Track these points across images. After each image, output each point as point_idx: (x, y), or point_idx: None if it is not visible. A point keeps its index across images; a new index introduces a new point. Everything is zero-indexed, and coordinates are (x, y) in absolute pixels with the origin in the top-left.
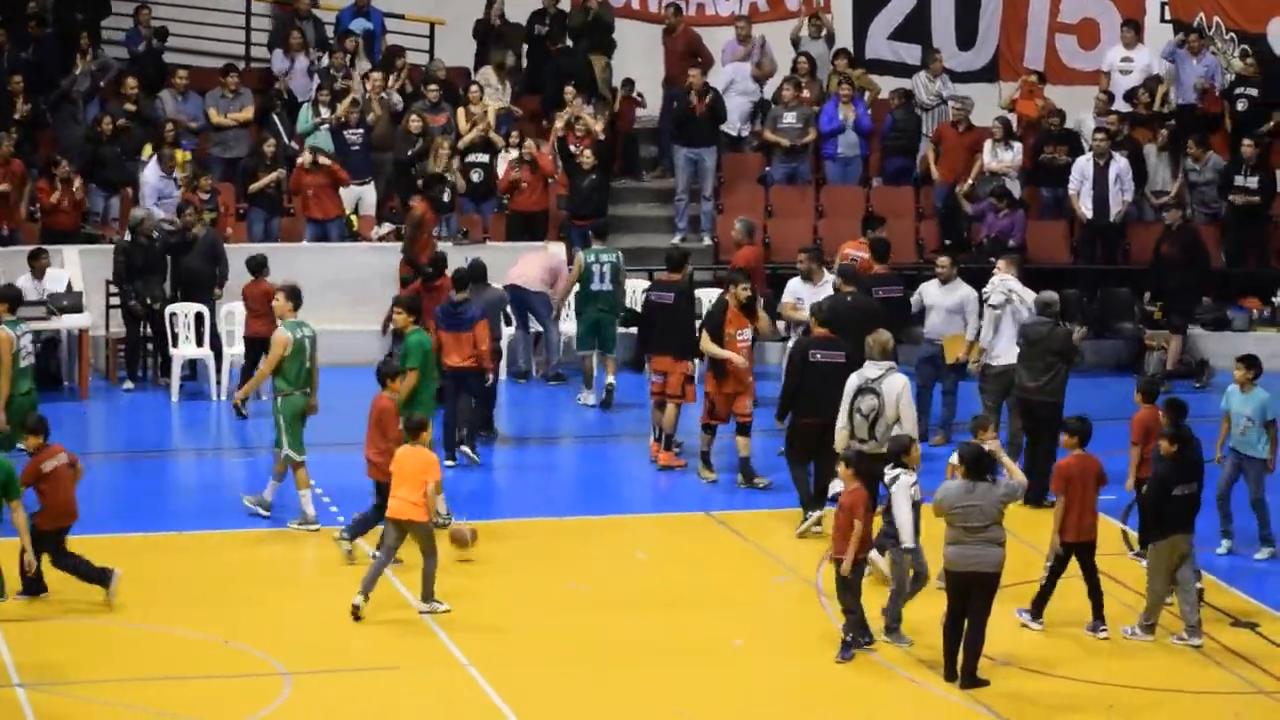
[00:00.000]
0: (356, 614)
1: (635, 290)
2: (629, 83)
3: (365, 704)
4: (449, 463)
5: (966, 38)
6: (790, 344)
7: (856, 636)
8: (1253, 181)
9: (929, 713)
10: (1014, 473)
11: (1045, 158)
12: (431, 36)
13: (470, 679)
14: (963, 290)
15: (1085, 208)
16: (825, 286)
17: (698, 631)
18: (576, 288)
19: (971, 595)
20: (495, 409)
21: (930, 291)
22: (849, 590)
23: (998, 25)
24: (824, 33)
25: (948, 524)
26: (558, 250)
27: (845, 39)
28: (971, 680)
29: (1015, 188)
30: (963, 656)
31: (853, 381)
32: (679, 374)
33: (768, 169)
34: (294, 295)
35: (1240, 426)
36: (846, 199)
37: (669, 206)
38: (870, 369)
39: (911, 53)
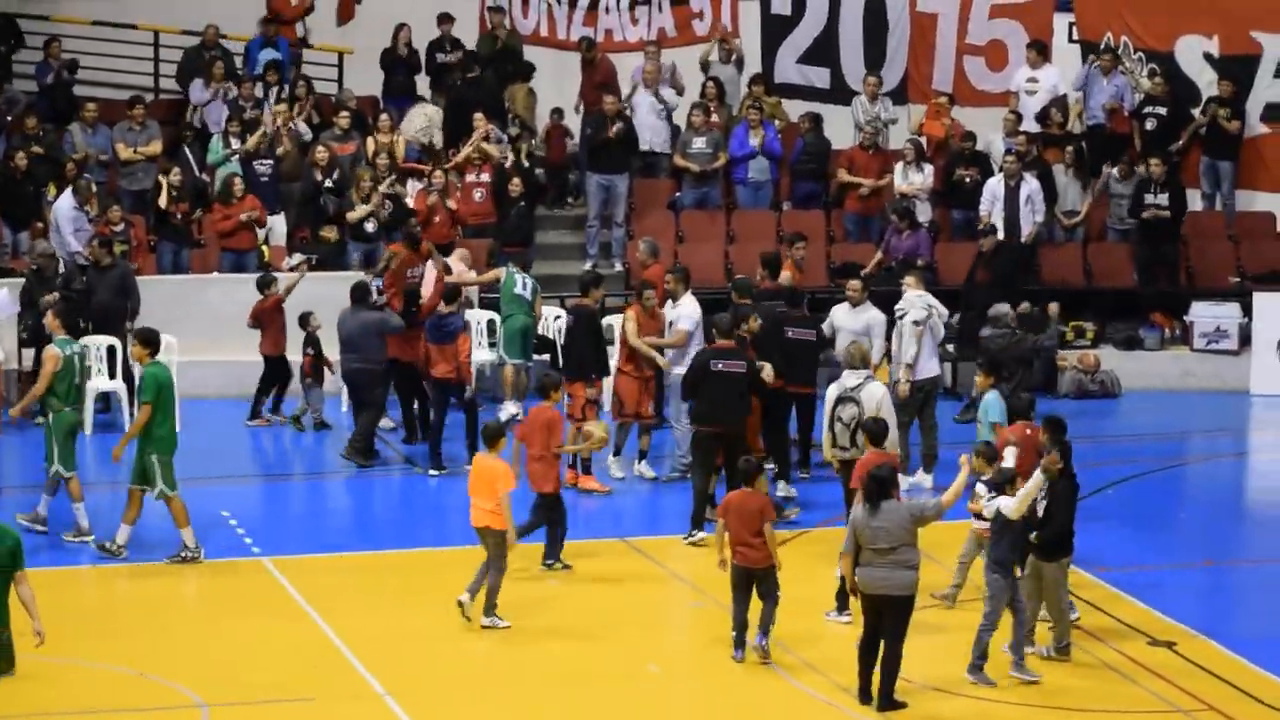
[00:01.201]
0: (464, 612)
1: (548, 318)
2: (558, 111)
3: None
4: (433, 472)
5: (875, 60)
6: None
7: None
8: (1163, 199)
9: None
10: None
11: (956, 179)
12: (340, 66)
13: (388, 709)
14: (871, 313)
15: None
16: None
17: (613, 657)
18: (501, 296)
19: (884, 617)
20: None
21: (839, 315)
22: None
23: (906, 48)
24: (734, 57)
25: (860, 546)
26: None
27: (754, 63)
28: (889, 702)
29: (926, 210)
30: (879, 679)
31: (832, 391)
32: (579, 397)
33: (678, 194)
34: (63, 314)
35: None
36: (757, 223)
37: (581, 233)
38: (849, 378)
39: (820, 76)
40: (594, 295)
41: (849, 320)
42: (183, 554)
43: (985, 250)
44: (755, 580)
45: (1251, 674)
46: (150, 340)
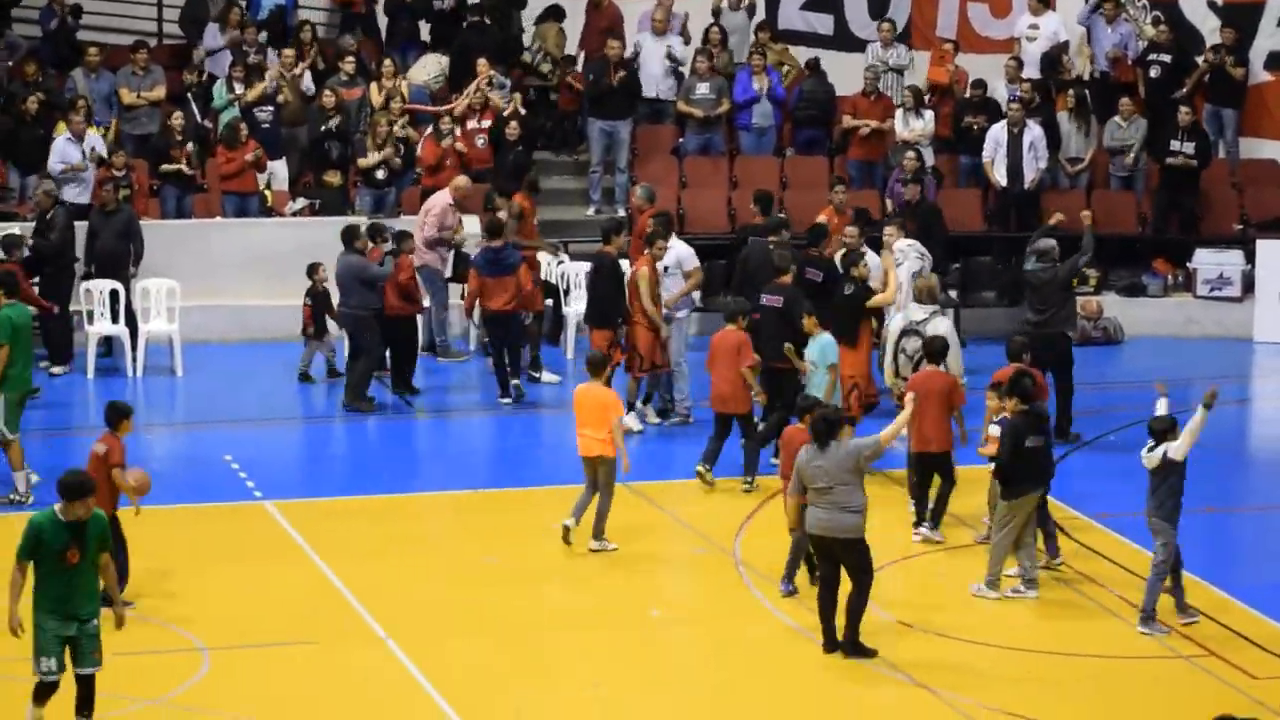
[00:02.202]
0: (566, 536)
1: (551, 264)
2: (570, 59)
3: (285, 679)
4: (504, 400)
5: (878, 7)
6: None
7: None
8: (1189, 146)
9: (841, 678)
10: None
11: (965, 125)
12: (345, 11)
13: (390, 653)
14: (870, 258)
15: (1000, 175)
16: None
17: (615, 602)
18: None
19: (839, 559)
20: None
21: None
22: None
23: None
24: (744, 4)
25: (806, 487)
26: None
27: (759, 9)
28: (855, 649)
29: (929, 155)
30: (845, 622)
31: (898, 323)
32: (600, 342)
33: (681, 140)
34: (4, 280)
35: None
36: (761, 169)
37: (584, 179)
38: (916, 311)
39: (824, 23)
40: (616, 243)
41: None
42: (12, 496)
43: (910, 200)
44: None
45: (1252, 619)
46: (6, 284)
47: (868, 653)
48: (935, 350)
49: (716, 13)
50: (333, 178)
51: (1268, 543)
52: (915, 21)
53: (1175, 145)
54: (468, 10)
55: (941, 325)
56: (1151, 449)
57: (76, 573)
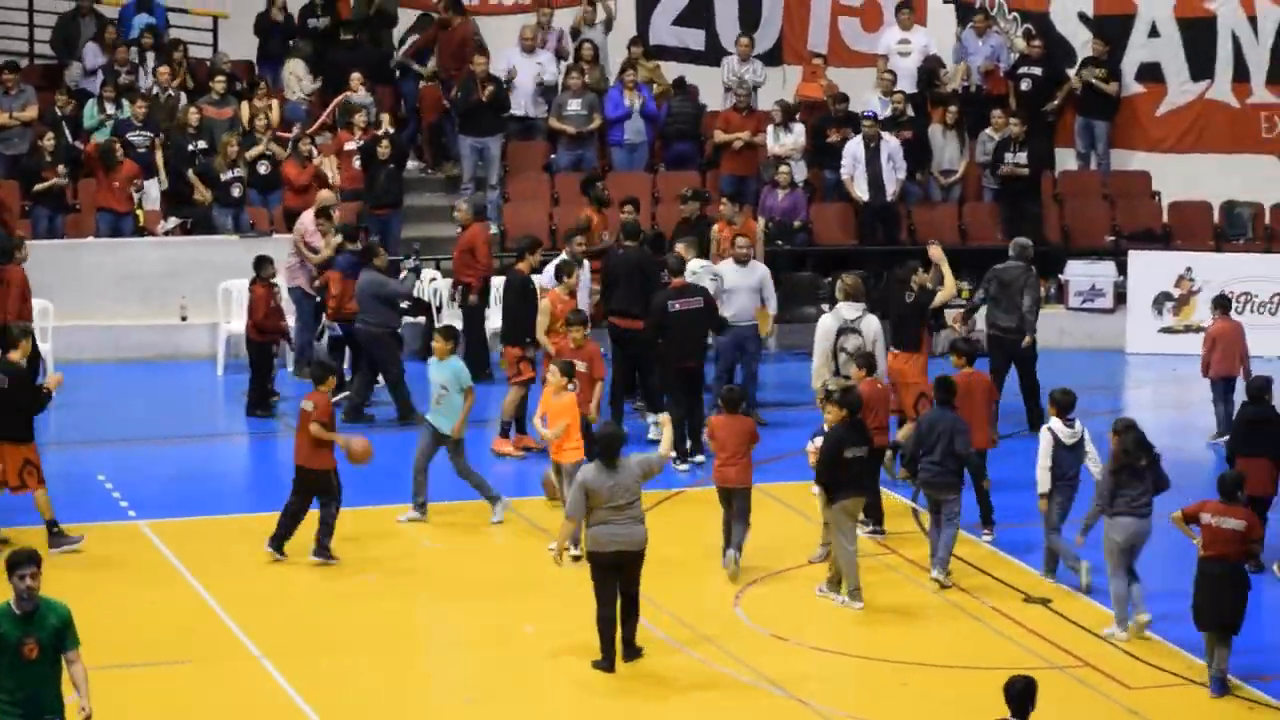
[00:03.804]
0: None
1: (424, 280)
2: (435, 75)
3: (159, 699)
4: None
5: (749, 22)
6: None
7: None
8: (1021, 157)
9: (714, 691)
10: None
11: (830, 141)
12: (215, 30)
13: (264, 672)
14: (760, 269)
15: (860, 190)
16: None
17: (490, 618)
18: None
19: (622, 574)
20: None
21: (729, 273)
22: None
23: (781, 8)
24: (603, 19)
25: (593, 507)
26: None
27: (629, 25)
28: (632, 650)
29: (800, 170)
30: (623, 632)
31: (830, 324)
32: (509, 358)
33: (554, 156)
34: None
35: (435, 395)
36: (633, 185)
37: (455, 196)
38: (847, 310)
39: (696, 38)
40: (530, 260)
41: (742, 279)
42: None
43: (689, 218)
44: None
45: None
46: None
47: (639, 651)
48: (871, 364)
49: (575, 31)
50: (202, 196)
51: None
52: (786, 36)
53: (1008, 156)
54: (340, 28)
55: (873, 323)
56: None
57: (35, 667)
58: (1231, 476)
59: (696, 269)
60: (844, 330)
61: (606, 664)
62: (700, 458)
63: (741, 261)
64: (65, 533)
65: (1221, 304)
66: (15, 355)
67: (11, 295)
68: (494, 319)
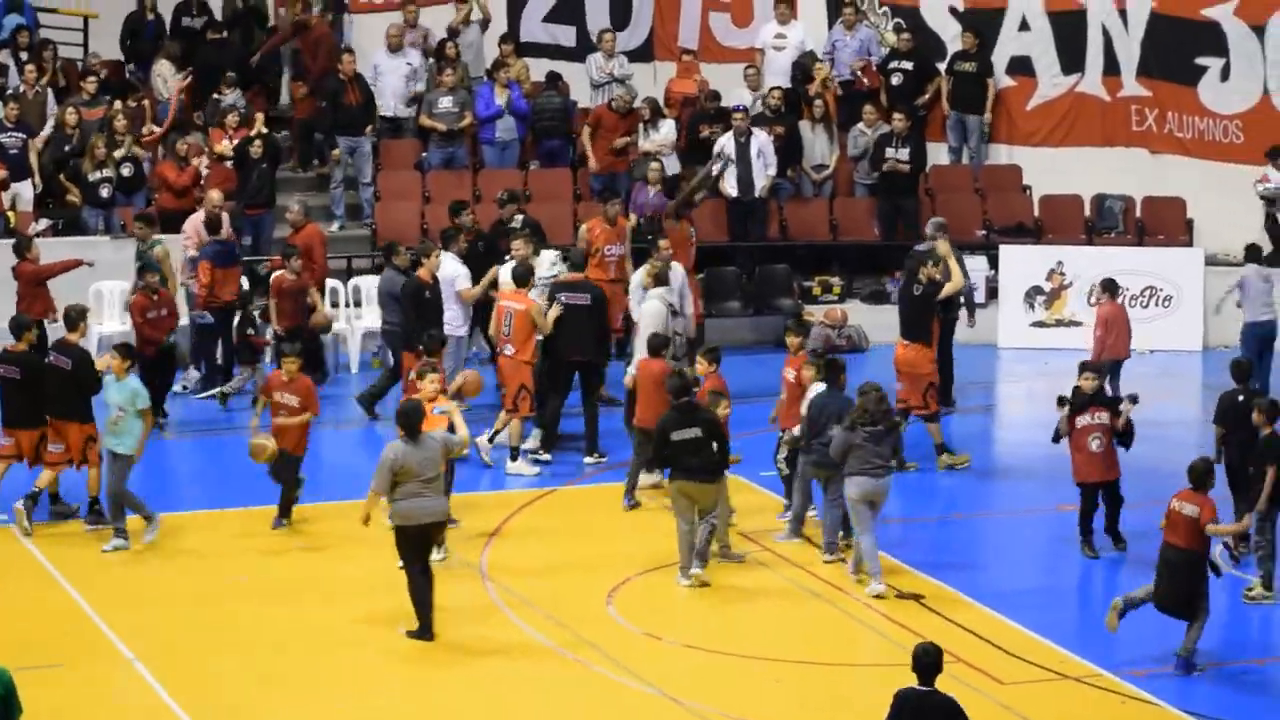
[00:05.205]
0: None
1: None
2: (302, 74)
3: (30, 702)
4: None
5: (621, 18)
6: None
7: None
8: (903, 153)
9: (581, 689)
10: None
11: (703, 136)
12: (85, 30)
13: (136, 673)
14: (680, 272)
15: (730, 186)
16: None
17: (365, 619)
18: None
19: (424, 543)
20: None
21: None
22: None
23: (652, 4)
24: (479, 18)
25: (401, 481)
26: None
27: (500, 22)
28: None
29: (672, 165)
30: (422, 605)
31: (660, 308)
32: (410, 366)
33: (425, 155)
34: None
35: (113, 416)
36: (504, 182)
37: (326, 195)
38: (668, 293)
39: (567, 34)
40: (428, 265)
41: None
42: None
43: (505, 219)
44: None
45: (998, 624)
46: None
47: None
48: (656, 346)
49: (454, 32)
50: (74, 198)
51: (1012, 548)
52: (657, 32)
53: (890, 152)
54: (210, 28)
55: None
56: None
57: None
58: (1202, 464)
59: (553, 258)
60: (675, 314)
61: (425, 632)
62: (594, 458)
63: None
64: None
65: (1109, 287)
66: (74, 337)
67: None
68: (368, 319)
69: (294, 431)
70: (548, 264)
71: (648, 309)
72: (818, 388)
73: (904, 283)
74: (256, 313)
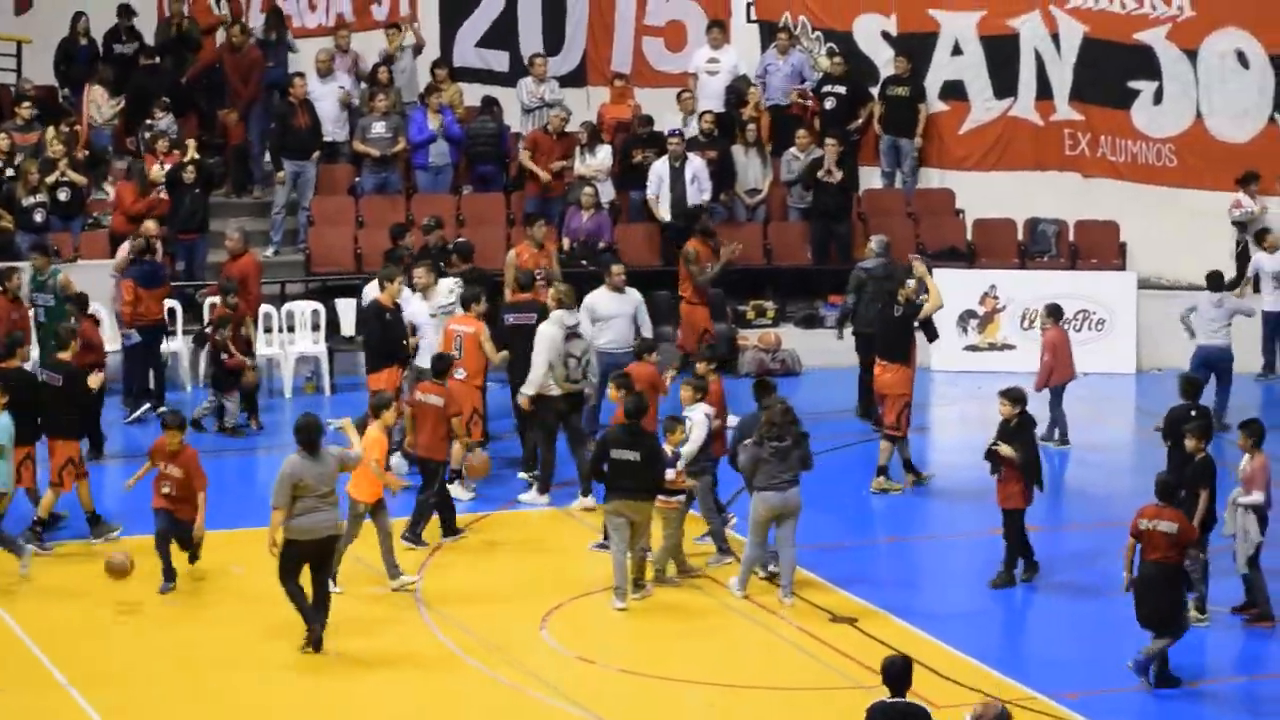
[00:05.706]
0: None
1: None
2: (237, 100)
3: None
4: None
5: (554, 43)
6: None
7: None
8: (835, 177)
9: (509, 714)
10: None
11: (636, 161)
12: (19, 56)
13: (69, 698)
14: (636, 296)
15: (664, 210)
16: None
17: (295, 640)
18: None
19: (319, 557)
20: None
21: (603, 302)
22: None
23: (585, 29)
24: (413, 44)
25: (299, 496)
26: None
27: (434, 47)
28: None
29: (608, 190)
30: (319, 614)
31: (555, 332)
32: (377, 386)
33: (358, 179)
34: None
35: None
36: (438, 207)
37: (264, 220)
38: (568, 317)
39: (500, 60)
40: (390, 290)
41: (620, 306)
42: None
43: (429, 245)
44: None
45: (932, 647)
46: None
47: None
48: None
49: (390, 58)
50: (6, 222)
51: (945, 571)
52: (590, 56)
53: (822, 176)
54: (142, 53)
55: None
56: None
57: None
58: (1168, 478)
59: (452, 285)
60: (570, 336)
61: (314, 644)
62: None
63: (618, 289)
64: (104, 522)
65: (1054, 313)
66: (65, 355)
67: None
68: (301, 344)
69: (190, 508)
70: (445, 292)
71: (542, 332)
72: (698, 408)
73: (883, 304)
74: (221, 337)
